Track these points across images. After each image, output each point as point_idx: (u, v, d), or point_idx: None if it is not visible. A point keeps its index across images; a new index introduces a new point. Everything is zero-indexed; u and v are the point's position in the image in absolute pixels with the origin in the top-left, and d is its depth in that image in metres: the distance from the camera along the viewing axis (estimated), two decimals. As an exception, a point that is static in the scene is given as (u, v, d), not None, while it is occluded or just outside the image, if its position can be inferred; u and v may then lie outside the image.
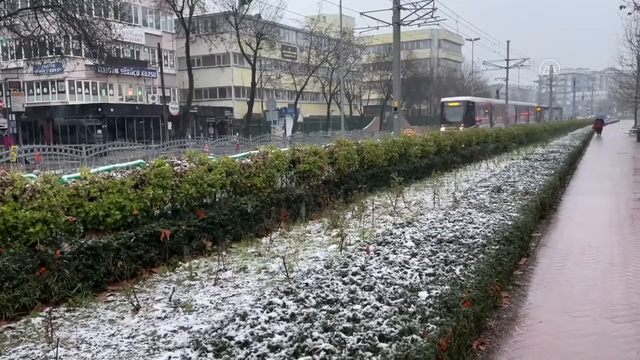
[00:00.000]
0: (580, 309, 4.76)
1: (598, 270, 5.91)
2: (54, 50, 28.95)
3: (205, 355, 2.87)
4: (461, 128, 28.31)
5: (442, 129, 35.00)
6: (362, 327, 3.19)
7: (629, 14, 28.87)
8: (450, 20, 63.12)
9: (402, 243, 5.25)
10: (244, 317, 3.39)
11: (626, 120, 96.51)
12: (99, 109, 40.01)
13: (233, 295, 5.23)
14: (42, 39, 25.91)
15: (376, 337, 3.06)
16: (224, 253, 6.47)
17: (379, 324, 3.25)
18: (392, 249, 5.03)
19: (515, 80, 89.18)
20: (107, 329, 4.47)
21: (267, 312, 3.44)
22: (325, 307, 3.53)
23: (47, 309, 4.58)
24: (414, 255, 4.82)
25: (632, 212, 9.27)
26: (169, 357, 2.88)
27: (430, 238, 5.48)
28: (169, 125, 38.94)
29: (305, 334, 3.06)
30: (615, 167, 17.16)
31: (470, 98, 48.20)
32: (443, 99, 47.43)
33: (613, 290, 5.27)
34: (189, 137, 39.23)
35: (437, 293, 3.78)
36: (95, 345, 4.16)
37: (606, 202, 10.43)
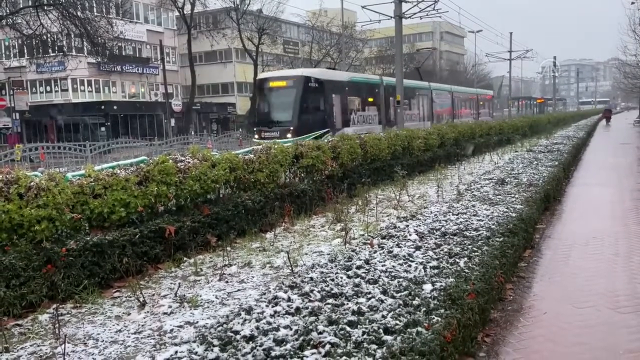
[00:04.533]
0: (585, 299, 4.77)
1: (602, 261, 5.90)
2: (56, 48, 29.01)
3: (212, 350, 2.89)
4: (289, 137, 16.51)
5: (255, 138, 20.99)
6: (367, 320, 3.20)
7: (632, 3, 28.72)
8: (452, 12, 62.87)
9: (406, 236, 5.25)
10: (249, 311, 3.41)
11: (631, 111, 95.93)
12: (102, 107, 40.07)
13: (238, 290, 5.26)
14: (44, 37, 25.97)
15: (381, 330, 3.07)
16: (228, 248, 6.50)
17: (384, 316, 3.26)
18: (396, 243, 5.03)
19: (519, 72, 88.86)
20: (113, 325, 4.50)
21: (273, 307, 3.46)
22: (330, 300, 3.55)
23: (54, 306, 4.61)
24: (418, 248, 4.82)
25: (637, 203, 9.24)
26: (176, 352, 2.89)
27: (434, 231, 5.48)
28: (172, 122, 38.99)
29: (310, 327, 3.07)
30: (619, 158, 17.09)
31: (315, 72, 23.45)
32: (261, 75, 25.74)
33: (617, 281, 5.27)
34: (192, 133, 39.27)
35: (441, 285, 3.78)
36: (102, 341, 4.19)
37: (610, 193, 10.40)
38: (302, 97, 20.90)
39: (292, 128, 19.96)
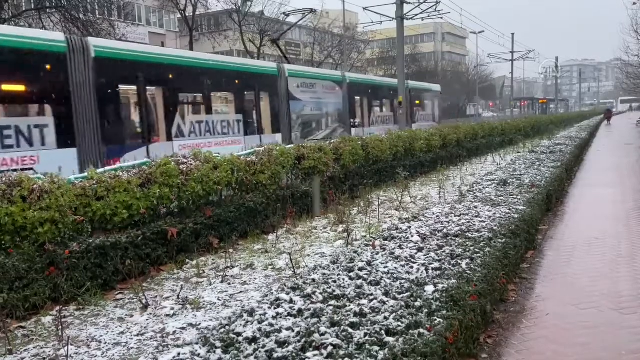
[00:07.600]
0: (588, 300, 4.76)
1: (605, 262, 5.90)
2: (58, 51, 29.03)
3: (214, 352, 2.90)
4: None
5: None
6: (369, 322, 3.21)
7: (634, 3, 28.66)
8: (454, 13, 62.82)
9: (408, 238, 5.25)
10: (251, 313, 3.41)
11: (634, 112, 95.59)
12: (105, 109, 40.06)
13: (240, 292, 5.27)
14: (47, 40, 25.97)
15: (383, 332, 3.08)
16: (231, 250, 6.51)
17: (386, 318, 3.26)
18: (398, 244, 5.03)
19: (521, 73, 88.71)
20: (116, 327, 4.52)
21: (275, 308, 3.46)
22: (332, 302, 3.55)
23: (57, 308, 4.63)
24: (420, 249, 4.82)
25: (639, 204, 9.24)
26: (178, 354, 2.90)
27: (437, 232, 5.48)
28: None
29: (312, 329, 3.08)
30: (622, 158, 17.06)
31: None
32: None
33: (620, 281, 5.26)
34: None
35: (443, 287, 3.78)
36: (105, 343, 4.21)
37: (613, 194, 10.38)
38: None
39: None
